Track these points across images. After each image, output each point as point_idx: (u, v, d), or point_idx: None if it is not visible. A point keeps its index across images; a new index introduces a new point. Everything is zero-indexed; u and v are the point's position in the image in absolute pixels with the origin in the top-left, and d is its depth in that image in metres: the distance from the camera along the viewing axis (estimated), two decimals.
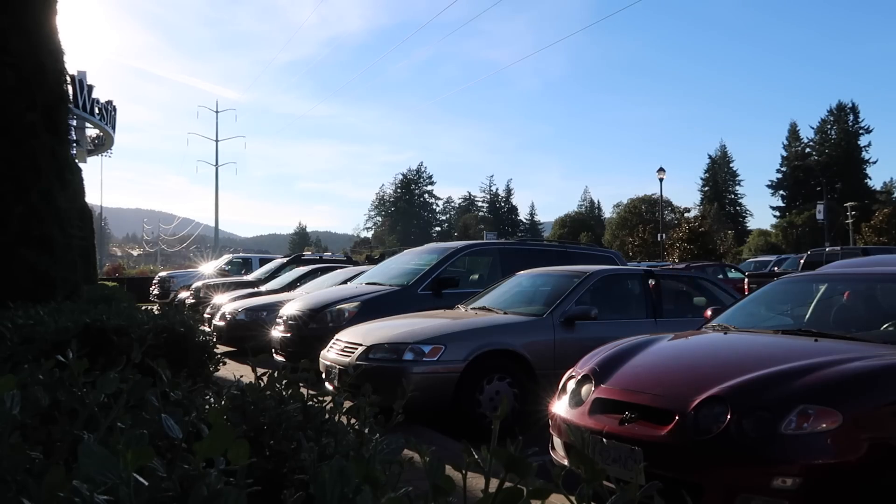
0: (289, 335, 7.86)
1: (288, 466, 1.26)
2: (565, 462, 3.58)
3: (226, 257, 24.36)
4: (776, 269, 24.74)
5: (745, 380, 3.14)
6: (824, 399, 2.89)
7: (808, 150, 75.83)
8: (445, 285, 7.94)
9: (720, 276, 19.56)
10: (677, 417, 3.08)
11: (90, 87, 28.48)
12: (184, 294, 15.79)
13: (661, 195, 42.30)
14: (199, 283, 15.49)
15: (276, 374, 1.57)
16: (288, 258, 18.02)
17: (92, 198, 48.98)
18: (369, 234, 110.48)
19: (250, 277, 16.02)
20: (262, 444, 1.32)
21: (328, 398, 1.54)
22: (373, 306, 7.42)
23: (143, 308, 4.41)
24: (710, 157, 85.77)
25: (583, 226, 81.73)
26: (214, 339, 3.61)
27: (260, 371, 1.61)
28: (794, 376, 3.10)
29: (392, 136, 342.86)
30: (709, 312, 5.18)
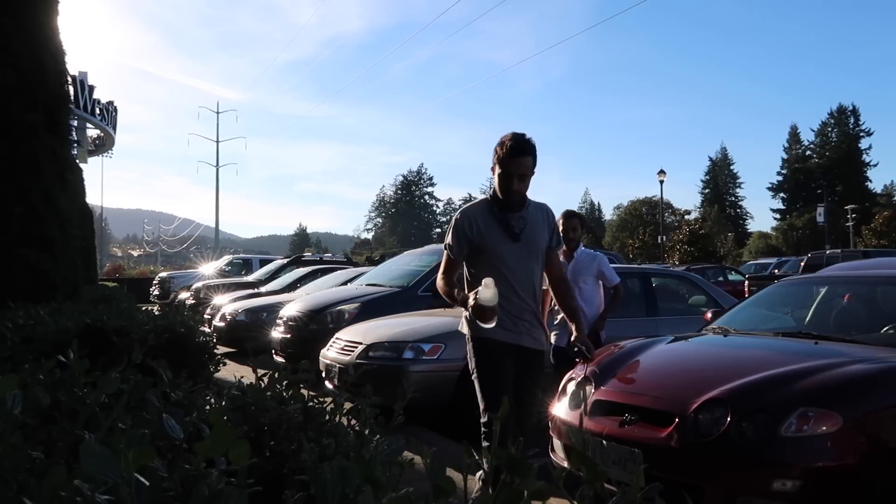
0: (289, 336, 7.86)
1: (288, 467, 1.26)
2: (566, 464, 3.58)
3: (226, 258, 24.35)
4: (776, 271, 24.73)
5: (745, 382, 3.14)
6: (824, 402, 2.88)
7: (808, 152, 75.86)
8: None
9: (720, 279, 19.58)
10: (677, 420, 3.08)
11: (91, 88, 28.51)
12: (184, 295, 15.77)
13: (662, 197, 42.34)
14: (199, 284, 15.48)
15: (276, 375, 1.57)
16: (288, 259, 18.03)
17: (92, 198, 49.02)
18: (370, 236, 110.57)
19: (250, 278, 16.02)
20: (263, 445, 1.32)
21: (329, 399, 1.54)
22: (373, 307, 7.42)
23: (144, 309, 4.41)
24: (710, 159, 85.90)
25: None
26: (214, 340, 3.61)
27: (260, 372, 1.61)
28: (795, 379, 3.10)
29: (392, 137, 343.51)
30: (709, 315, 5.18)
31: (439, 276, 3.21)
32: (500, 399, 2.74)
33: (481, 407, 3.08)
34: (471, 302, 2.86)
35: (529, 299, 3.13)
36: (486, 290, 2.76)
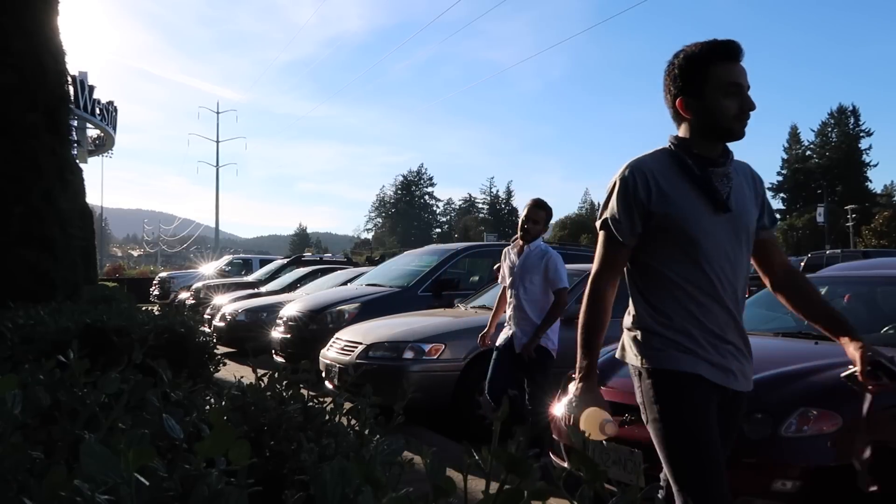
0: (289, 336, 7.87)
1: (288, 467, 1.27)
2: (566, 464, 3.58)
3: (226, 258, 24.37)
4: None
5: None
6: (825, 402, 2.88)
7: (808, 152, 75.92)
8: (446, 287, 7.94)
9: None
10: None
11: (91, 88, 28.55)
12: (184, 295, 15.79)
13: None
14: (199, 284, 15.50)
15: (276, 375, 1.57)
16: (288, 259, 18.04)
17: (92, 198, 49.09)
18: (370, 236, 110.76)
19: (250, 278, 16.03)
20: (263, 445, 1.32)
21: (329, 399, 1.54)
22: (373, 307, 7.43)
23: (144, 309, 4.41)
24: None
25: (583, 228, 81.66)
26: (214, 340, 3.61)
27: (260, 372, 1.61)
28: (795, 379, 3.10)
29: (392, 137, 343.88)
30: None
31: (596, 274, 2.00)
32: (713, 469, 1.83)
33: (672, 478, 1.86)
34: (582, 413, 1.93)
35: (737, 309, 1.96)
36: (594, 424, 1.88)
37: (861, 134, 73.79)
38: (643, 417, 1.96)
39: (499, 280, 5.00)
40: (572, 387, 1.99)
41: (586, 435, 1.80)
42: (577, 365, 1.99)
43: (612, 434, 1.82)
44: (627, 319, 2.03)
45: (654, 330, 1.94)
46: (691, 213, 1.89)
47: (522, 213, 4.74)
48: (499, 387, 4.53)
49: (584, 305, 2.00)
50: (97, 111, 29.68)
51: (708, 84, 1.88)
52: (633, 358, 1.99)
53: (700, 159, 1.93)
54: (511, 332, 4.60)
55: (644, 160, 1.97)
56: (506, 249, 4.87)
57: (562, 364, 4.61)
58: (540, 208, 4.68)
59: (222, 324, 10.14)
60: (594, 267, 2.01)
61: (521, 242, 4.68)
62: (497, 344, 4.69)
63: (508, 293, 4.70)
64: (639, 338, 1.97)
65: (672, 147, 1.97)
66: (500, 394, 4.52)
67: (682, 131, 1.98)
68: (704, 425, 1.86)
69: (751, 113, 1.91)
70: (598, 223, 2.02)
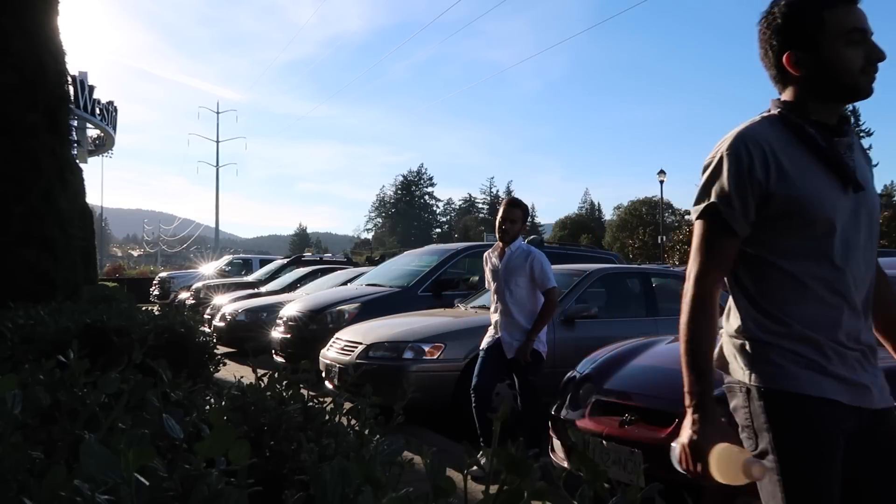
0: (289, 336, 7.87)
1: (288, 467, 1.27)
2: (566, 464, 3.58)
3: (226, 258, 24.37)
4: None
5: None
6: None
7: None
8: (445, 287, 7.95)
9: None
10: (677, 420, 3.08)
11: (91, 88, 28.57)
12: (184, 295, 15.79)
13: (662, 197, 42.34)
14: (199, 284, 15.50)
15: (276, 375, 1.57)
16: (288, 259, 18.04)
17: (92, 198, 49.16)
18: (370, 236, 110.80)
19: (250, 278, 16.04)
20: (263, 445, 1.33)
21: (329, 399, 1.54)
22: (373, 307, 7.43)
23: (144, 309, 4.41)
24: None
25: (583, 228, 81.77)
26: (214, 340, 3.61)
27: (260, 372, 1.61)
28: None
29: (392, 137, 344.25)
30: None
31: (701, 272, 1.58)
32: None
33: None
34: (712, 456, 1.49)
35: (868, 310, 1.63)
36: (734, 465, 1.42)
37: (861, 134, 73.87)
38: (746, 445, 1.57)
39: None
40: (686, 422, 1.57)
41: (722, 480, 1.43)
42: (687, 390, 1.55)
43: (762, 477, 1.43)
44: (730, 324, 1.65)
45: (767, 340, 1.57)
46: (820, 195, 1.53)
47: (498, 214, 4.60)
48: (485, 387, 4.48)
49: (686, 314, 1.57)
50: (97, 111, 29.71)
51: (824, 32, 1.56)
52: (738, 372, 1.59)
53: (821, 127, 1.59)
54: (498, 336, 4.51)
55: (756, 129, 1.58)
56: (486, 254, 4.73)
57: (561, 365, 4.61)
58: (515, 206, 4.52)
59: (222, 324, 10.14)
60: (695, 265, 1.59)
61: (501, 245, 4.56)
62: (482, 346, 4.63)
63: (493, 298, 4.58)
64: (748, 348, 1.59)
65: (781, 113, 1.61)
66: (487, 394, 4.49)
67: (789, 94, 1.63)
68: (833, 473, 1.51)
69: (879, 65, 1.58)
70: (695, 210, 1.62)
